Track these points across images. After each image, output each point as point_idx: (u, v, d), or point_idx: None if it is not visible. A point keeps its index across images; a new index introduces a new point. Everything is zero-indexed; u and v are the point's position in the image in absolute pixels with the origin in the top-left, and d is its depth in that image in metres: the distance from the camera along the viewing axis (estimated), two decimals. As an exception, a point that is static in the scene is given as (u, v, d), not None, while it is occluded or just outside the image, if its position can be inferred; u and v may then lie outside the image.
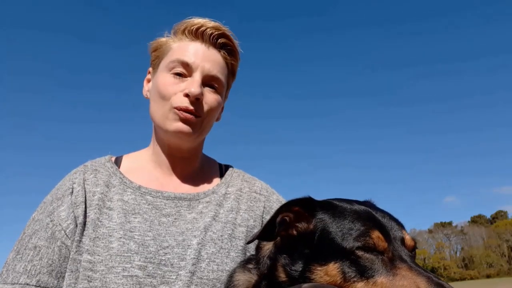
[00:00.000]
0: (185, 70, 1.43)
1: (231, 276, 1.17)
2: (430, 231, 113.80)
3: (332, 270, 0.93)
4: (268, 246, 1.10)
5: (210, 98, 1.45)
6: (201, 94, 1.41)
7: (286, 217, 1.04)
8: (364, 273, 0.90)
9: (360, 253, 0.92)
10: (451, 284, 0.91)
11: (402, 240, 0.98)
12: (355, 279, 0.90)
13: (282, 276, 1.01)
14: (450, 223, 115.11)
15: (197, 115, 1.41)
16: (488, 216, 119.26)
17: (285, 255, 1.02)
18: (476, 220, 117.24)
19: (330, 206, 1.04)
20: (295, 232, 1.04)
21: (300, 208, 1.04)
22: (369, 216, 1.00)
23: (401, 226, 1.03)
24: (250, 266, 1.13)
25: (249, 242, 1.11)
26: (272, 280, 1.03)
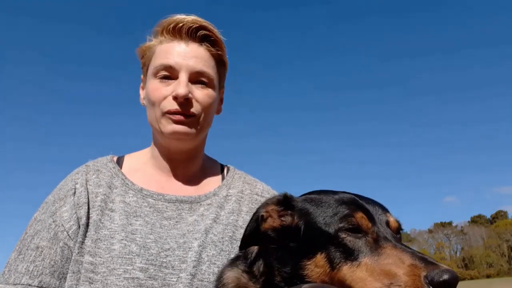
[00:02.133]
0: (170, 73, 1.43)
1: (220, 275, 1.14)
2: (430, 231, 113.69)
3: (320, 261, 0.93)
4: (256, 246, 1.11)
5: (200, 95, 1.44)
6: (189, 93, 1.40)
7: (264, 214, 1.06)
8: (349, 255, 0.90)
9: (343, 235, 0.92)
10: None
11: (387, 223, 0.99)
12: (340, 264, 0.90)
13: (278, 279, 1.01)
14: (450, 223, 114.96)
15: (190, 115, 1.41)
16: (488, 216, 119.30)
17: (276, 260, 1.01)
18: (476, 220, 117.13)
19: (313, 198, 1.04)
20: (279, 226, 1.04)
21: (276, 206, 1.06)
22: (353, 201, 1.00)
23: (385, 210, 1.04)
24: (238, 262, 1.12)
25: (241, 248, 1.11)
26: (271, 283, 1.02)
